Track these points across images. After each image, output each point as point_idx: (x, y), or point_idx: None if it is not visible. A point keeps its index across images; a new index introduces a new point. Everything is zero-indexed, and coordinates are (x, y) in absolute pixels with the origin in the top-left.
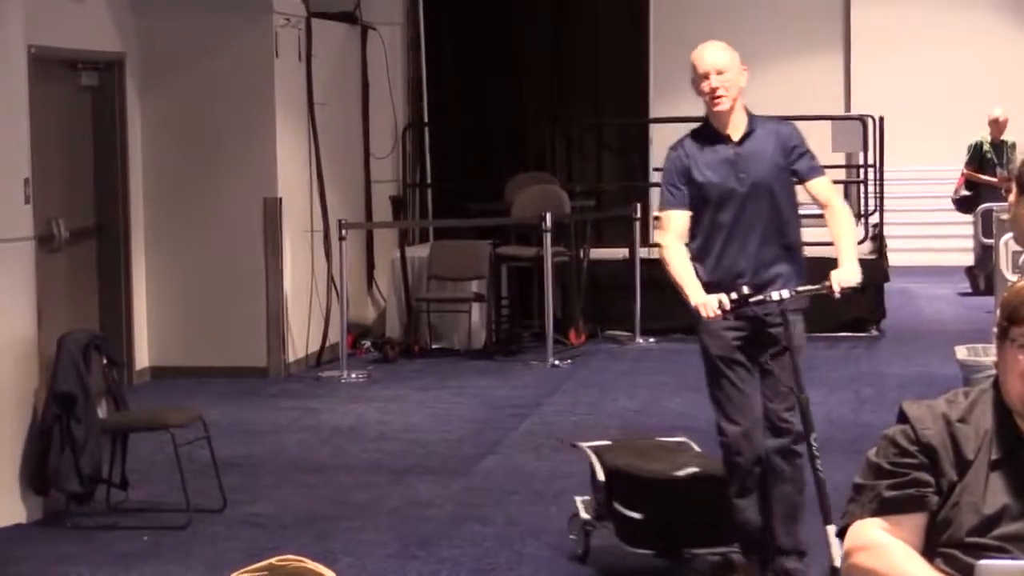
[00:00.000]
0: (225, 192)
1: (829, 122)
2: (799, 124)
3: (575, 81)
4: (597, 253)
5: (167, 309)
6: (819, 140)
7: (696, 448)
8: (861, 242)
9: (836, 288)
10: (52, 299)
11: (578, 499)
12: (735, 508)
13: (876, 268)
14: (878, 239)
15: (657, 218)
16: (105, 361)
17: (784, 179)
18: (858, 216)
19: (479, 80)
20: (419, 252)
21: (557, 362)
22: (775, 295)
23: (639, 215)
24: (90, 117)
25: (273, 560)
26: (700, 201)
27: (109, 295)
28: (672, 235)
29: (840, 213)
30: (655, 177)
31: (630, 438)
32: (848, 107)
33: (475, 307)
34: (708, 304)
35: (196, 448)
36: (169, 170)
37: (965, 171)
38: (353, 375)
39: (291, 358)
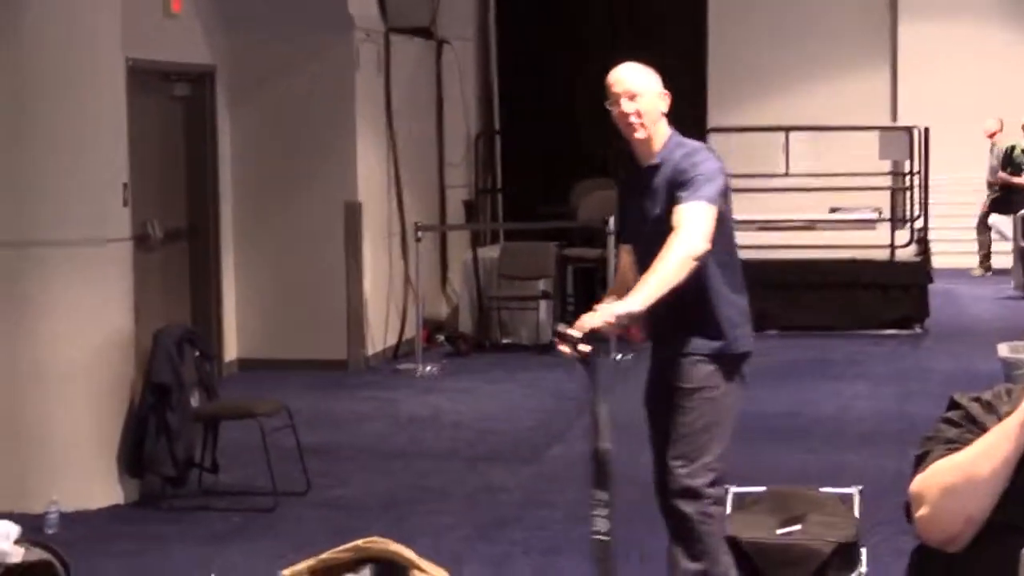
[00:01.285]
0: (308, 196)
1: (876, 132)
2: (849, 134)
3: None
4: None
5: (254, 305)
6: (867, 149)
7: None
8: (906, 245)
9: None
10: (147, 295)
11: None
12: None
13: (920, 270)
14: (922, 243)
15: None
16: (197, 354)
17: None
18: (903, 221)
19: (547, 91)
20: (490, 253)
21: (619, 356)
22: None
23: None
24: (182, 126)
25: (360, 541)
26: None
27: (200, 292)
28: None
29: (670, 243)
30: None
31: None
32: (895, 117)
33: (542, 304)
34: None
35: (282, 435)
36: (256, 175)
37: (1000, 175)
38: (428, 368)
39: (370, 351)
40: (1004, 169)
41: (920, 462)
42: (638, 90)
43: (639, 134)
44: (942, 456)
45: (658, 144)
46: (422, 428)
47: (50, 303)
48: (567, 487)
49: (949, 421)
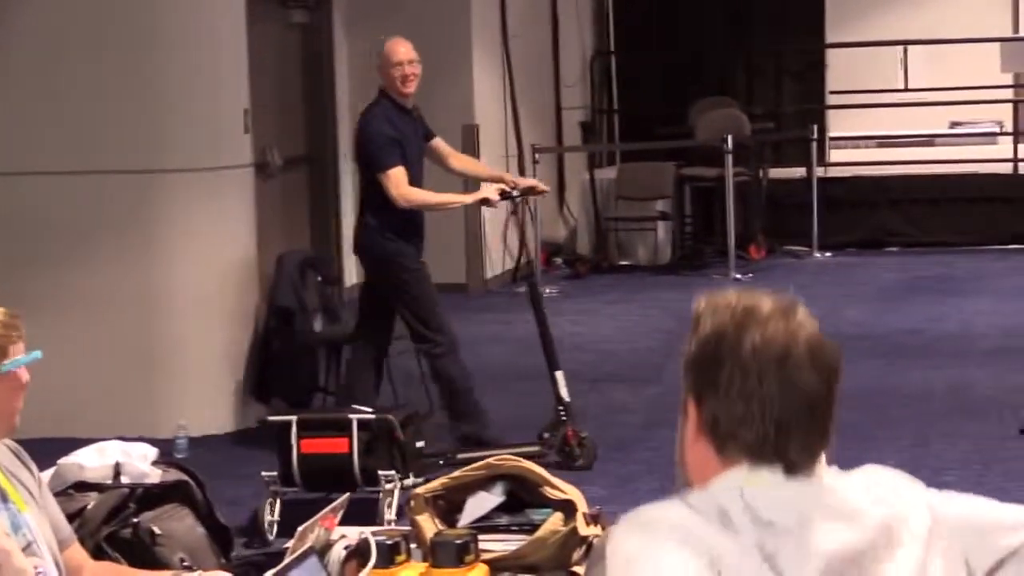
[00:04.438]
0: (427, 119)
1: (998, 43)
2: (969, 47)
3: (754, 9)
4: (776, 172)
5: None
6: (988, 61)
7: None
8: None
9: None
10: (268, 223)
11: None
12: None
13: None
14: None
15: None
16: (319, 278)
17: None
18: None
19: (663, 10)
20: (607, 174)
21: (739, 276)
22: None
23: (816, 136)
24: (300, 53)
25: (491, 459)
26: None
27: (319, 219)
28: None
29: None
30: (831, 100)
31: None
32: (1016, 28)
33: (660, 225)
34: (485, 193)
35: (404, 358)
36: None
37: None
38: (547, 290)
39: (489, 275)
40: None
41: None
42: (415, 57)
43: (411, 89)
44: None
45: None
46: (542, 350)
47: (175, 230)
48: None
49: None
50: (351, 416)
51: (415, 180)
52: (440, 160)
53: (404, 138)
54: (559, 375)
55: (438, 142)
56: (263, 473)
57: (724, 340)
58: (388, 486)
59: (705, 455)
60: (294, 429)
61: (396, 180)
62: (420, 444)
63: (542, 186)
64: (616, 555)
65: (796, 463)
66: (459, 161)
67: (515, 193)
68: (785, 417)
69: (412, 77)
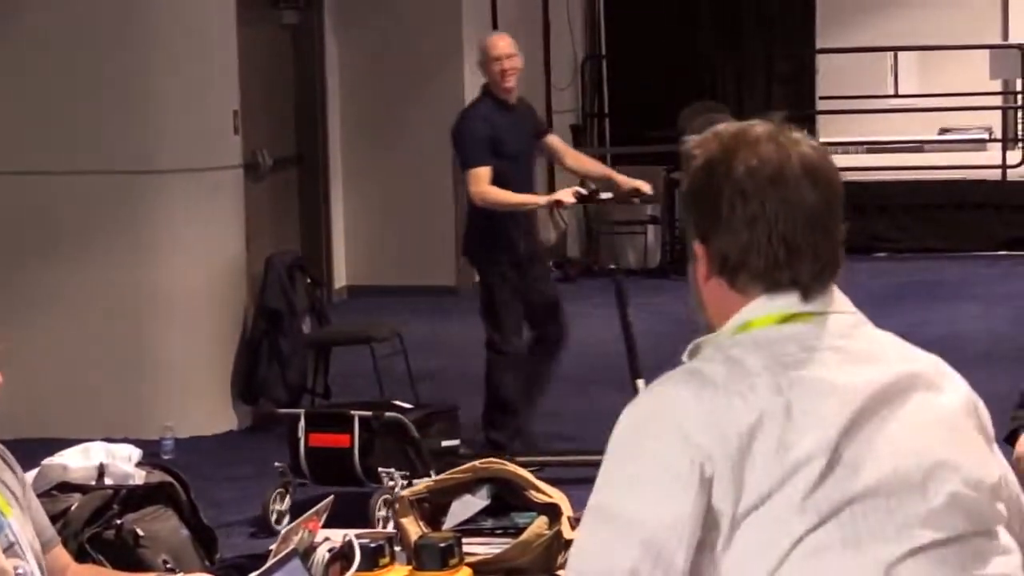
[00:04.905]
0: (416, 121)
1: (987, 50)
2: (959, 53)
3: (745, 14)
4: None
5: (363, 232)
6: (977, 68)
7: None
8: (1018, 165)
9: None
10: (258, 224)
11: None
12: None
13: None
14: None
15: None
16: (308, 280)
17: None
18: (1015, 141)
19: (654, 13)
20: None
21: None
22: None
23: None
24: (291, 53)
25: (477, 462)
26: None
27: (309, 220)
28: None
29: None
30: (821, 105)
31: None
32: (1005, 35)
33: (651, 229)
34: (561, 195)
35: (392, 361)
36: (364, 101)
37: None
38: None
39: (478, 277)
40: None
41: None
42: (514, 51)
43: (511, 84)
44: None
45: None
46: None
47: (164, 230)
48: None
49: None
50: (353, 412)
51: (518, 177)
52: (553, 157)
53: (501, 136)
54: (640, 384)
55: (552, 139)
56: (276, 464)
57: (717, 168)
58: (390, 483)
59: (720, 293)
60: (302, 423)
61: (476, 178)
62: (450, 443)
63: (646, 188)
64: (617, 437)
65: (810, 287)
66: (573, 158)
67: (602, 196)
68: (790, 236)
69: (511, 71)
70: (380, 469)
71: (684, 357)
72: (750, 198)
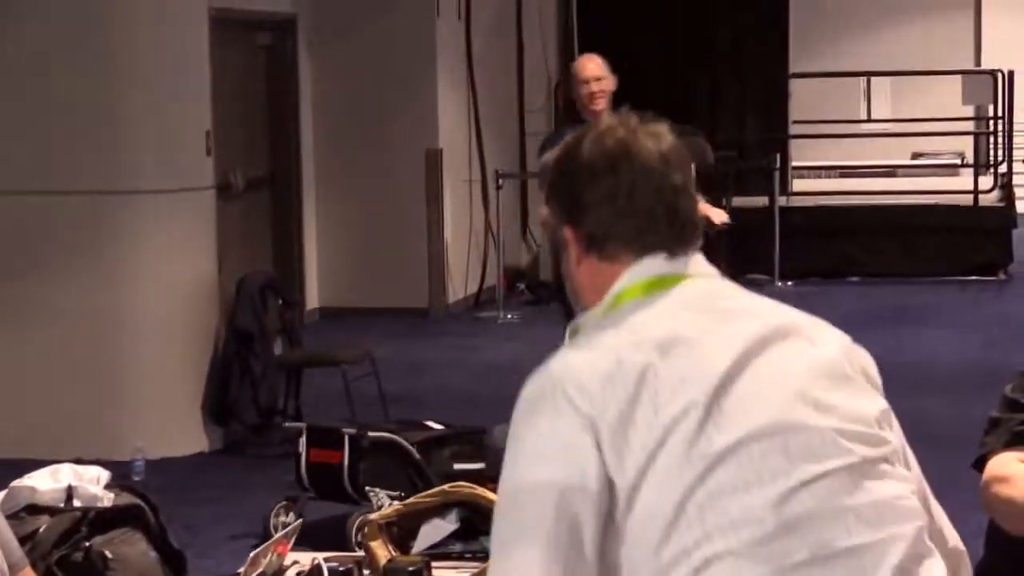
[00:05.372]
0: (389, 143)
1: (960, 76)
2: (932, 79)
3: (718, 38)
4: (739, 201)
5: (335, 253)
6: (950, 94)
7: None
8: (990, 191)
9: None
10: (230, 244)
11: None
12: None
13: (1004, 215)
14: (1006, 188)
15: None
16: (280, 301)
17: None
18: (987, 166)
19: (627, 38)
20: None
21: None
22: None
23: (779, 165)
24: (264, 74)
25: (446, 486)
26: None
27: (282, 240)
28: None
29: None
30: (794, 129)
31: None
32: (978, 61)
33: None
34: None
35: (364, 383)
36: (337, 124)
37: None
38: (509, 315)
39: (451, 299)
40: None
41: (995, 425)
42: (602, 73)
43: (600, 107)
44: None
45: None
46: (504, 375)
47: (134, 251)
48: None
49: None
50: (344, 431)
51: None
52: None
53: None
54: None
55: None
56: (285, 475)
57: (569, 156)
58: (378, 504)
59: (593, 271)
60: (304, 438)
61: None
62: (468, 466)
63: (718, 218)
64: (513, 421)
65: (673, 249)
66: None
67: None
68: (647, 202)
69: (599, 95)
70: (367, 488)
71: (566, 339)
72: (604, 174)
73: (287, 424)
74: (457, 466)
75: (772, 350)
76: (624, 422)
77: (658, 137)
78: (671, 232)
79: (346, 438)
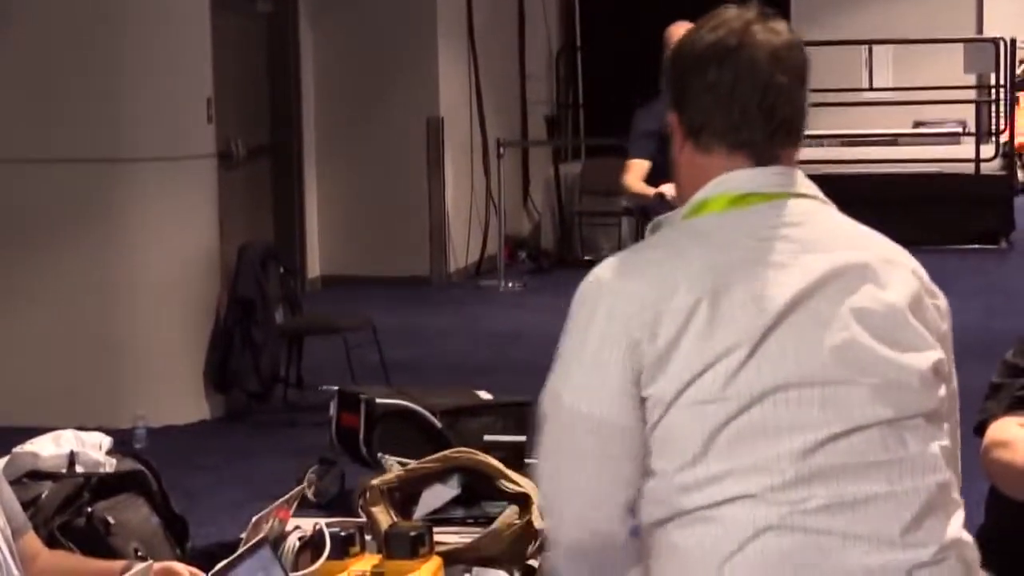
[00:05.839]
0: (390, 112)
1: (962, 44)
2: (934, 47)
3: (720, 6)
4: None
5: (337, 222)
6: (952, 62)
7: None
8: (991, 159)
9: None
10: (231, 213)
11: None
12: None
13: (1006, 184)
14: (1008, 156)
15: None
16: (281, 269)
17: None
18: (988, 135)
19: (629, 5)
20: (572, 168)
21: None
22: None
23: None
24: (266, 42)
25: (448, 451)
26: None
27: (283, 209)
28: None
29: None
30: None
31: None
32: (980, 30)
33: (624, 220)
34: (664, 188)
35: (365, 351)
36: (339, 92)
37: None
38: (510, 284)
39: (452, 268)
40: None
41: (996, 391)
42: None
43: None
44: None
45: None
46: (505, 343)
47: (136, 219)
48: None
49: None
50: (361, 396)
51: None
52: None
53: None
54: None
55: None
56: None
57: (685, 44)
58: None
59: (691, 160)
60: (335, 400)
61: (626, 168)
62: (495, 438)
63: None
64: (568, 318)
65: (764, 150)
66: None
67: None
68: (746, 99)
69: None
70: (379, 455)
71: (647, 232)
72: (710, 64)
73: (323, 387)
74: (488, 437)
75: (830, 293)
76: (669, 348)
77: (774, 34)
78: (765, 132)
79: (362, 404)
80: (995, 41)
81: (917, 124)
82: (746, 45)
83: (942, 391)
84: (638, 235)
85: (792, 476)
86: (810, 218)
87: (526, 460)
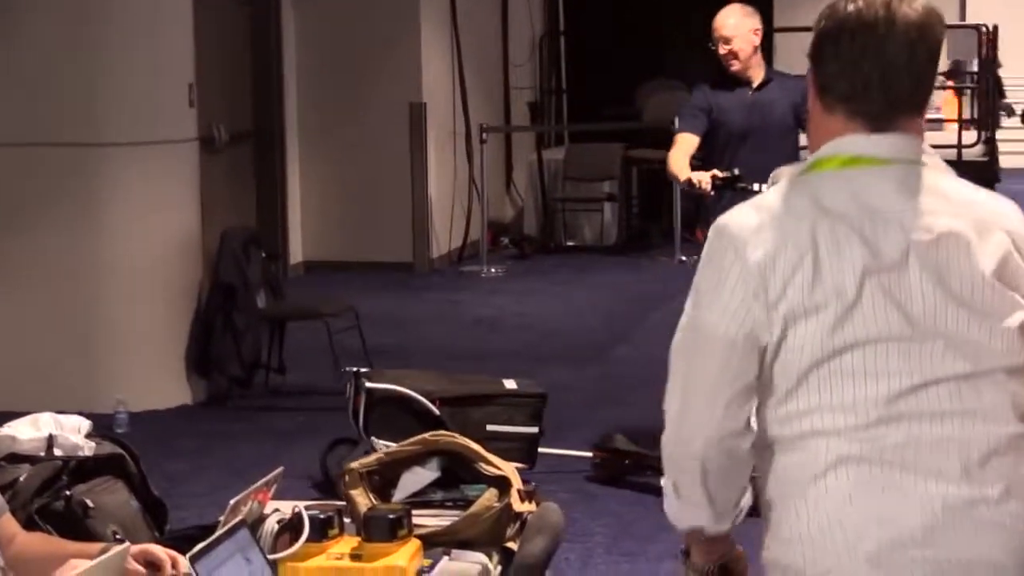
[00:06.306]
0: (373, 97)
1: (944, 31)
2: None
3: None
4: None
5: (319, 207)
6: None
7: None
8: (973, 145)
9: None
10: (213, 198)
11: None
12: None
13: (987, 169)
14: (990, 142)
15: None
16: (263, 254)
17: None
18: (970, 121)
19: None
20: (555, 155)
21: (684, 257)
22: (756, 186)
23: None
24: (249, 27)
25: (427, 435)
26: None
27: (266, 194)
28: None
29: None
30: None
31: None
32: (963, 16)
33: (607, 206)
34: (700, 177)
35: (347, 336)
36: (321, 77)
37: None
38: (492, 269)
39: (435, 253)
40: None
41: None
42: (731, 34)
43: (734, 67)
44: None
45: (757, 69)
46: (487, 329)
47: (118, 204)
48: (633, 387)
49: None
50: (364, 380)
51: (743, 153)
52: None
53: (720, 108)
54: None
55: None
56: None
57: (831, 10)
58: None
59: (818, 115)
60: (352, 382)
61: (674, 142)
62: (499, 428)
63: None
64: (705, 253)
65: (880, 119)
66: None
67: (742, 184)
68: (868, 70)
69: (728, 56)
70: (373, 439)
71: (768, 182)
72: (843, 35)
73: (346, 369)
74: (491, 427)
75: (922, 257)
76: (777, 298)
77: (912, 11)
78: (883, 104)
79: (363, 388)
80: (977, 27)
81: None
82: (881, 21)
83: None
84: (621, 222)
85: (875, 418)
86: (915, 184)
87: (536, 452)
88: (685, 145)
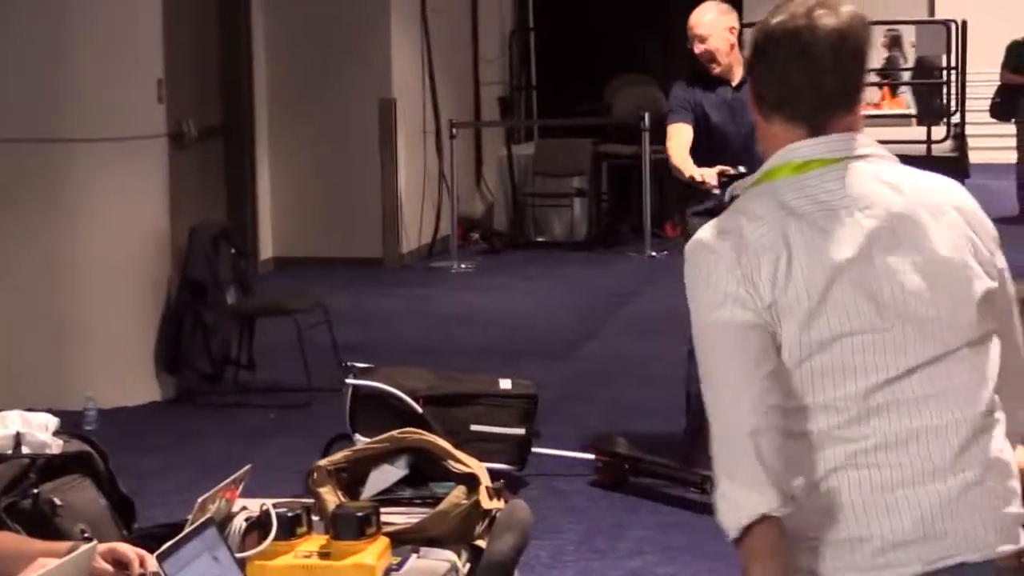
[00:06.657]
0: (343, 93)
1: (913, 26)
2: (885, 28)
3: None
4: None
5: (289, 203)
6: (904, 43)
7: None
8: (943, 141)
9: None
10: (183, 194)
11: None
12: None
13: (957, 165)
14: (960, 138)
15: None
16: (233, 251)
17: None
18: (940, 116)
19: None
20: (525, 150)
21: (654, 253)
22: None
23: None
24: (218, 22)
25: (395, 432)
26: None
27: (235, 190)
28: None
29: None
30: None
31: None
32: (932, 12)
33: (577, 202)
34: (705, 173)
35: (317, 332)
36: (291, 73)
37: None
38: (463, 265)
39: (405, 249)
40: (1006, 67)
41: None
42: (706, 32)
43: (716, 69)
44: None
45: (736, 68)
46: (457, 325)
47: (86, 200)
48: (603, 383)
49: None
50: (350, 381)
51: (728, 153)
52: None
53: (699, 104)
54: None
55: None
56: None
57: (759, 26)
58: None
59: (761, 123)
60: (350, 379)
61: (668, 133)
62: (483, 428)
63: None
64: (687, 274)
65: (814, 121)
66: None
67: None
68: (795, 76)
69: (704, 55)
70: (357, 437)
71: (726, 197)
72: (770, 46)
73: (348, 363)
74: (475, 427)
75: (882, 246)
76: (767, 296)
77: (834, 17)
78: (814, 104)
79: (350, 388)
80: (946, 23)
81: (868, 105)
82: (803, 29)
83: (989, 319)
84: (590, 217)
85: (855, 413)
86: (864, 177)
87: (526, 454)
88: (683, 136)
